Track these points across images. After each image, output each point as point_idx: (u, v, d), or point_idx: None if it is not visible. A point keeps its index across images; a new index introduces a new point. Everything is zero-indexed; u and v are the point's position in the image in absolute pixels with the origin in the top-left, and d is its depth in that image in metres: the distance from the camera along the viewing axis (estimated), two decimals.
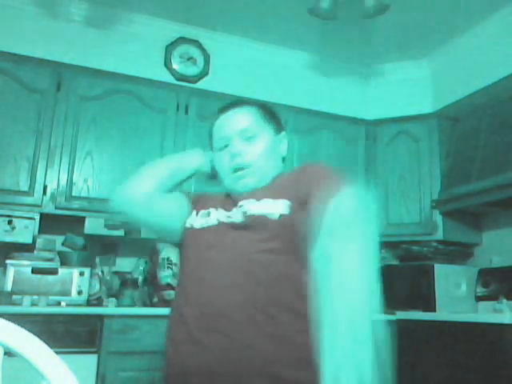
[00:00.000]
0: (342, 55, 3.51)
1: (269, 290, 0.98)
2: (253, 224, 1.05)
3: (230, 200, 1.16)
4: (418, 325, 2.83)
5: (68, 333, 2.37)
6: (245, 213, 1.07)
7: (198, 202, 1.22)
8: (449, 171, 3.25)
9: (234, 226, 1.08)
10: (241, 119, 1.19)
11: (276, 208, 1.05)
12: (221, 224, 1.10)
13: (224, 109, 1.23)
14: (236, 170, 1.15)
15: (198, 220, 1.15)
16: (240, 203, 1.10)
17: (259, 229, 1.04)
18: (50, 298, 2.53)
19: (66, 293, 2.64)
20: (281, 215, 1.04)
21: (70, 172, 2.83)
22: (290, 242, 1.02)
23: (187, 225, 1.16)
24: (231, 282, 1.00)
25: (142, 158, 2.98)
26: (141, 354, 2.47)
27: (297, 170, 1.18)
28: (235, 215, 1.09)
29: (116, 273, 2.97)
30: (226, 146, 1.17)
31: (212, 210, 1.16)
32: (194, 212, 1.19)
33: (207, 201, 1.21)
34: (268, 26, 3.20)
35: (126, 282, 2.90)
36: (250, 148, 1.16)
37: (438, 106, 3.40)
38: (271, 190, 1.12)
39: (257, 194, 1.12)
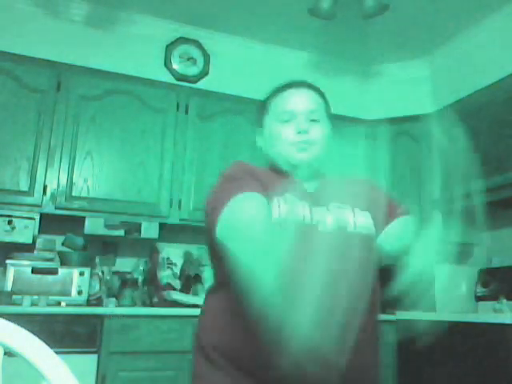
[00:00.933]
0: (342, 55, 3.51)
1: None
2: (357, 240, 1.07)
3: (294, 185, 1.10)
4: (417, 325, 2.83)
5: (68, 333, 2.37)
6: (343, 225, 1.07)
7: (260, 180, 1.08)
8: (449, 171, 3.24)
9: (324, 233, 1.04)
10: (311, 100, 1.20)
11: (371, 226, 1.12)
12: (309, 224, 1.04)
13: (292, 85, 1.22)
14: (301, 144, 1.14)
15: (283, 209, 1.03)
16: (325, 207, 1.08)
17: (363, 246, 1.08)
18: (50, 298, 2.53)
19: (66, 293, 2.64)
20: (375, 234, 1.13)
21: (70, 172, 2.83)
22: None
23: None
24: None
25: (142, 157, 2.99)
26: (141, 353, 2.47)
27: (359, 181, 1.25)
28: (323, 219, 1.05)
29: (116, 273, 2.98)
30: (288, 121, 1.16)
31: (291, 197, 1.06)
32: (274, 199, 1.04)
33: (265, 179, 1.10)
34: (268, 26, 3.20)
35: (125, 281, 2.90)
36: (314, 129, 1.16)
37: (438, 105, 3.40)
38: (346, 195, 1.14)
39: (327, 190, 1.14)
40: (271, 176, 1.14)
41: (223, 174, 1.11)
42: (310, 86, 1.24)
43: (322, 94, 1.26)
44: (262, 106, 1.25)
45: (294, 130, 1.15)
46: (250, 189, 1.01)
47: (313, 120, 1.17)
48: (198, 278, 3.06)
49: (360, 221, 1.09)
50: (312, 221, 1.05)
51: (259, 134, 1.24)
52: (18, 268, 2.60)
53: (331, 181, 1.21)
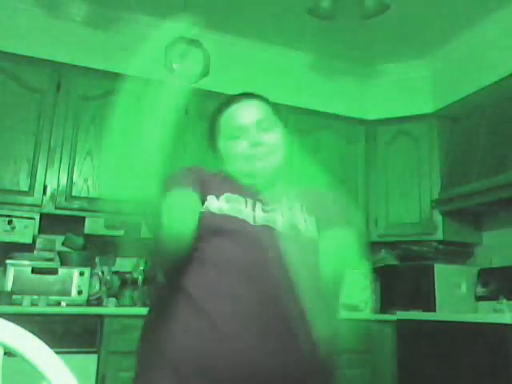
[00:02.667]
0: (342, 55, 3.51)
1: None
2: (299, 240, 1.06)
3: (247, 189, 1.12)
4: (417, 325, 2.83)
5: (68, 333, 2.37)
6: (292, 225, 1.07)
7: (204, 183, 1.11)
8: (449, 171, 3.25)
9: (273, 231, 1.05)
10: (257, 110, 1.17)
11: (314, 230, 1.10)
12: (258, 223, 1.05)
13: (234, 99, 1.20)
14: (257, 158, 1.13)
15: (221, 204, 1.06)
16: (272, 205, 1.09)
17: (306, 247, 1.06)
18: (50, 298, 2.53)
19: (66, 293, 2.64)
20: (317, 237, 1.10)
21: (70, 172, 2.83)
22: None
23: (212, 209, 1.06)
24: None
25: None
26: None
27: (316, 191, 1.23)
28: (272, 218, 1.07)
29: (116, 273, 2.97)
30: (240, 136, 1.14)
31: (238, 197, 1.09)
32: (212, 196, 1.08)
33: (214, 182, 1.13)
34: (268, 26, 3.20)
35: (125, 281, 2.90)
36: (267, 138, 1.15)
37: (438, 106, 3.40)
38: (295, 200, 1.14)
39: (279, 195, 1.13)
40: (224, 181, 1.14)
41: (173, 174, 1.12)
42: (252, 96, 1.21)
43: (266, 100, 1.22)
44: (210, 131, 1.22)
45: (247, 144, 1.13)
46: (186, 187, 1.07)
47: (265, 129, 1.15)
48: None
49: (308, 224, 1.10)
50: (254, 218, 1.06)
51: (217, 158, 1.21)
52: (18, 268, 2.60)
53: (285, 187, 1.19)
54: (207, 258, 1.01)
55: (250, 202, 1.09)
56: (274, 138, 1.16)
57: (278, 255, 1.00)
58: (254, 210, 1.08)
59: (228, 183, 1.13)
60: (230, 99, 1.21)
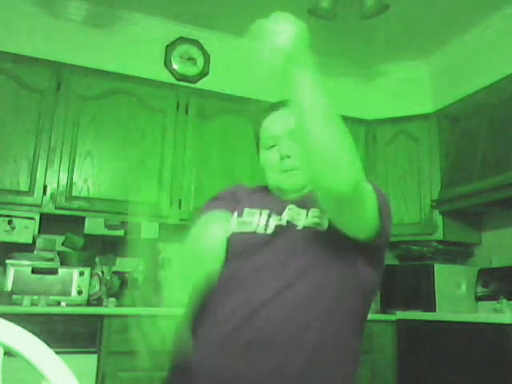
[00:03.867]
0: (342, 55, 3.51)
1: None
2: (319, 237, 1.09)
3: (277, 202, 1.12)
4: (418, 325, 2.83)
5: (68, 333, 2.37)
6: (310, 223, 1.09)
7: (239, 201, 1.16)
8: (449, 171, 3.24)
9: (290, 229, 1.08)
10: (289, 120, 1.13)
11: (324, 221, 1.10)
12: (270, 229, 1.08)
13: (274, 107, 1.20)
14: (285, 171, 1.12)
15: (233, 223, 1.11)
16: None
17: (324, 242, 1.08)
18: (50, 298, 2.53)
19: (66, 293, 2.63)
20: None
21: (70, 172, 2.83)
22: None
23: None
24: None
25: (141, 158, 2.99)
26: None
27: None
28: (285, 219, 1.09)
29: (116, 273, 2.97)
30: (273, 146, 1.14)
31: (255, 210, 1.12)
32: (235, 213, 1.13)
33: (247, 198, 1.17)
34: None
35: (125, 281, 2.90)
36: (298, 150, 1.11)
37: (438, 106, 3.40)
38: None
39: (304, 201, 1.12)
40: (257, 194, 1.17)
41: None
42: (287, 104, 1.18)
43: None
44: (255, 138, 1.24)
45: (278, 156, 1.13)
46: (217, 208, 1.13)
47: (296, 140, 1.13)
48: None
49: (312, 217, 1.07)
50: (266, 226, 1.06)
51: (262, 169, 1.23)
52: (18, 268, 2.60)
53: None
54: (220, 283, 1.03)
55: (265, 212, 1.09)
56: None
57: (288, 257, 1.01)
58: (268, 219, 1.07)
59: (261, 197, 1.15)
60: (267, 108, 1.22)
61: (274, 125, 1.16)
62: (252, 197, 1.16)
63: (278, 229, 1.05)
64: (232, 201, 1.15)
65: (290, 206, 1.08)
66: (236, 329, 0.94)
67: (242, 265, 1.02)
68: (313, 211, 1.06)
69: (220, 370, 0.93)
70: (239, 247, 1.05)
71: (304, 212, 1.06)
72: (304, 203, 1.08)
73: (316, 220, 1.04)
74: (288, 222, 1.06)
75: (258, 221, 1.07)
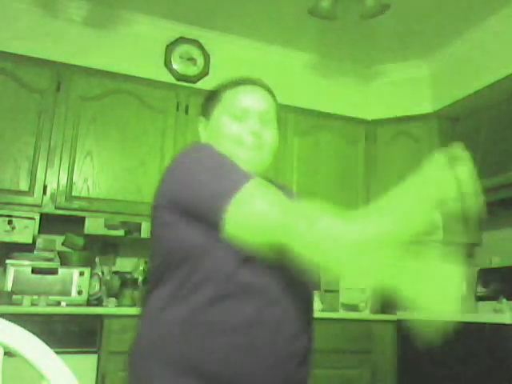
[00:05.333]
0: (342, 55, 3.51)
1: None
2: None
3: None
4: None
5: (68, 333, 2.37)
6: None
7: None
8: None
9: None
10: (265, 100, 1.14)
11: None
12: None
13: (248, 80, 1.16)
14: (251, 147, 1.08)
15: None
16: None
17: None
18: (50, 298, 2.53)
19: (66, 293, 2.64)
20: None
21: (70, 172, 2.83)
22: None
23: None
24: None
25: (142, 158, 2.99)
26: None
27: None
28: None
29: (116, 273, 2.97)
30: (241, 118, 1.10)
31: None
32: None
33: None
34: (268, 26, 3.20)
35: (125, 281, 2.90)
36: (267, 133, 1.11)
37: (438, 106, 3.40)
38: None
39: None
40: None
41: (200, 155, 1.00)
42: (265, 86, 1.17)
43: (274, 96, 1.19)
44: (212, 96, 1.16)
45: (246, 129, 1.08)
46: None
47: (266, 121, 1.11)
48: None
49: None
50: None
51: (202, 124, 1.17)
52: (18, 268, 2.60)
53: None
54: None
55: None
56: (272, 134, 1.12)
57: None
58: None
59: None
60: (243, 79, 1.17)
61: (248, 97, 1.12)
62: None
63: None
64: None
65: None
66: (294, 337, 0.96)
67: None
68: None
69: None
70: None
71: None
72: None
73: None
74: None
75: None
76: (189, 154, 1.01)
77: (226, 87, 1.15)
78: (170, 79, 3.18)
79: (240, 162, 1.01)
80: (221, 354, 0.89)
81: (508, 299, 2.80)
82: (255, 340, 0.91)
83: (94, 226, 2.82)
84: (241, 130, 1.08)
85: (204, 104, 1.18)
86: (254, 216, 0.87)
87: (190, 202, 0.93)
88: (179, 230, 0.95)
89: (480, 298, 3.07)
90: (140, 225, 2.88)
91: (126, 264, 3.06)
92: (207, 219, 0.90)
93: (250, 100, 1.11)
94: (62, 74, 2.91)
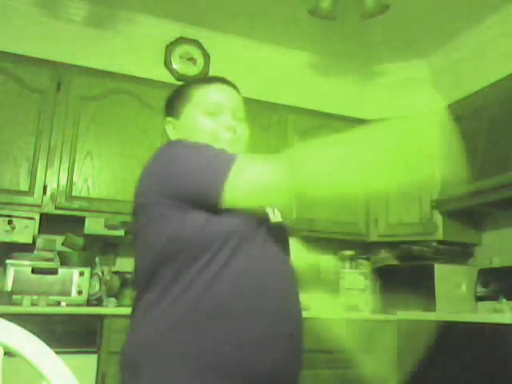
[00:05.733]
0: (342, 55, 3.51)
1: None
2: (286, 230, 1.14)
3: None
4: (418, 325, 2.83)
5: (68, 333, 2.37)
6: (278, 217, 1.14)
7: None
8: None
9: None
10: (237, 97, 1.16)
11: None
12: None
13: (215, 79, 1.17)
14: (229, 141, 1.09)
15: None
16: None
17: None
18: (50, 298, 2.53)
19: (66, 293, 2.63)
20: None
21: (70, 172, 2.83)
22: None
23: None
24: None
25: (142, 158, 2.98)
26: None
27: None
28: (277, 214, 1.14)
29: (116, 273, 2.97)
30: (215, 114, 1.10)
31: None
32: None
33: None
34: (268, 26, 3.20)
35: (125, 282, 2.90)
36: (240, 128, 1.13)
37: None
38: None
39: None
40: None
41: (181, 146, 1.02)
42: (231, 84, 1.19)
43: (241, 94, 1.20)
44: (180, 94, 1.16)
45: (222, 125, 1.09)
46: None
47: (239, 118, 1.13)
48: None
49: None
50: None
51: (171, 123, 1.16)
52: (18, 268, 2.59)
53: None
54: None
55: None
56: (244, 131, 1.14)
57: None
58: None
59: None
60: (213, 77, 1.20)
61: (223, 94, 1.13)
62: None
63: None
64: None
65: None
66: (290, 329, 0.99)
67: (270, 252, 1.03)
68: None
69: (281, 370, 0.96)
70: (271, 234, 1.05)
71: None
72: None
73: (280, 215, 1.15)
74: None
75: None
76: (169, 148, 1.02)
77: (193, 85, 1.16)
78: (170, 79, 3.17)
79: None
80: (233, 342, 0.90)
81: (508, 299, 2.80)
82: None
83: (94, 225, 2.82)
84: (216, 125, 1.10)
85: (169, 103, 1.19)
86: (256, 180, 0.93)
87: (188, 188, 0.94)
88: (173, 222, 0.95)
89: (480, 298, 3.07)
90: None
91: (125, 264, 3.06)
92: (207, 198, 0.93)
93: (222, 96, 1.13)
94: (62, 74, 2.91)
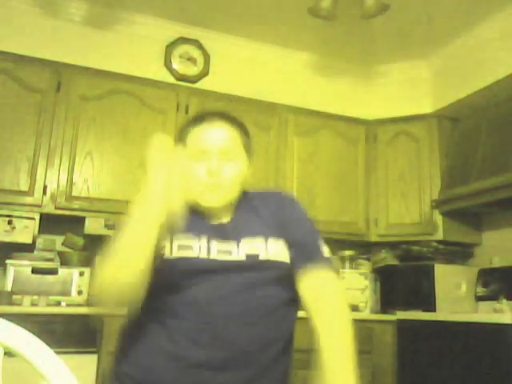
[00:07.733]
0: (342, 55, 3.51)
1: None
2: (266, 267, 1.09)
3: (204, 220, 1.13)
4: (418, 325, 2.83)
5: (68, 333, 2.37)
6: (254, 255, 1.08)
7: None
8: (449, 171, 3.25)
9: (237, 266, 1.08)
10: (224, 138, 1.14)
11: (285, 253, 1.11)
12: (216, 260, 1.07)
13: (206, 118, 1.16)
14: (211, 187, 1.11)
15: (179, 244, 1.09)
16: (238, 240, 1.10)
17: (274, 274, 1.10)
18: (50, 298, 2.53)
19: (66, 293, 2.64)
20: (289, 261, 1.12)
21: (70, 172, 2.83)
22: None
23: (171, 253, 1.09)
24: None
25: (142, 158, 2.98)
26: None
27: (270, 198, 1.21)
28: (235, 252, 1.08)
29: None
30: (202, 160, 1.11)
31: (196, 234, 1.10)
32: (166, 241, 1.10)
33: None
34: (268, 26, 3.20)
35: None
36: (227, 170, 1.12)
37: (438, 105, 3.40)
38: (253, 220, 1.14)
39: (239, 224, 1.13)
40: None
41: None
42: (227, 118, 1.17)
43: (240, 125, 1.18)
44: (180, 136, 1.18)
45: (205, 170, 1.10)
46: None
47: (228, 159, 1.12)
48: None
49: (272, 250, 1.10)
50: (210, 254, 1.07)
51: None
52: (18, 268, 2.60)
53: (244, 213, 1.17)
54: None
55: (203, 236, 1.09)
56: (234, 171, 1.13)
57: (234, 289, 1.05)
58: (208, 243, 1.09)
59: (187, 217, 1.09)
60: (203, 116, 1.18)
61: (205, 139, 1.13)
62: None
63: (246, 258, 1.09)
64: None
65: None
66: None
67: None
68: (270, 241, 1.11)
69: None
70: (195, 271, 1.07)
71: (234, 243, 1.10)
72: (226, 233, 1.11)
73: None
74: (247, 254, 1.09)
75: (197, 244, 1.09)
76: None
77: (189, 126, 1.17)
78: (170, 79, 3.18)
79: (204, 202, 1.11)
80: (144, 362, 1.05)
81: (508, 299, 2.80)
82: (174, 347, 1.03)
83: (93, 225, 2.82)
84: (200, 171, 1.11)
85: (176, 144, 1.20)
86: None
87: None
88: None
89: (480, 298, 3.07)
90: None
91: None
92: None
93: (210, 141, 1.13)
94: (62, 74, 2.91)
